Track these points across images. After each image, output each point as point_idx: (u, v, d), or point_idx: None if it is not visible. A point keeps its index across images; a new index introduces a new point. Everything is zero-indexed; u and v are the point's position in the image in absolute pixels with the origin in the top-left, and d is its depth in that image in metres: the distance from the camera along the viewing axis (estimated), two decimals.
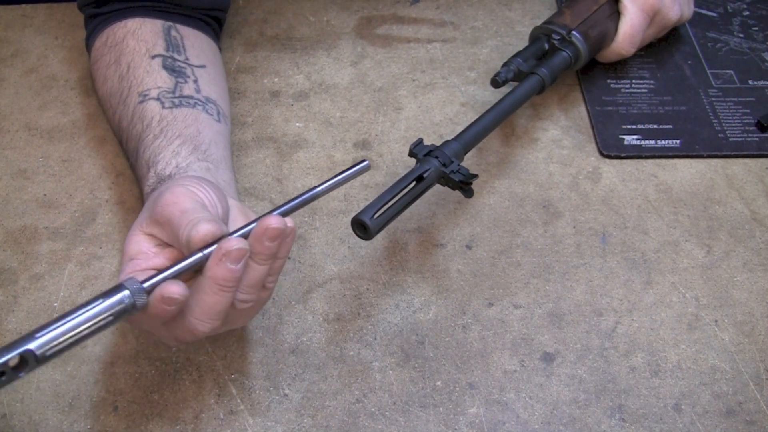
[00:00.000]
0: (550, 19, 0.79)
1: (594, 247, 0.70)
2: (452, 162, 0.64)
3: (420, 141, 0.66)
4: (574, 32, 0.77)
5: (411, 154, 0.66)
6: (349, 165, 0.57)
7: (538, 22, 0.80)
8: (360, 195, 0.74)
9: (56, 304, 0.66)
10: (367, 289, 0.67)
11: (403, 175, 0.63)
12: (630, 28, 0.79)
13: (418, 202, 0.65)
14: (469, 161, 0.77)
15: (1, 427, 0.59)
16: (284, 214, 0.53)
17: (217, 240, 0.50)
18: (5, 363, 0.42)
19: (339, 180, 0.55)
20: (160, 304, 0.48)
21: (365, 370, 0.62)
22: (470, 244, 0.70)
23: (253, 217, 0.58)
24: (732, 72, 0.85)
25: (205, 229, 0.49)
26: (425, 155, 0.65)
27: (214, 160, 0.65)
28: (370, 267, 0.69)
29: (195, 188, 0.55)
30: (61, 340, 0.44)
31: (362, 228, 0.59)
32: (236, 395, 0.61)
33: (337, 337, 0.64)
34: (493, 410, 0.60)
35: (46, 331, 0.44)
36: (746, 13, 0.93)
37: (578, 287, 0.67)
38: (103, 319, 0.46)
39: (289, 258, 0.69)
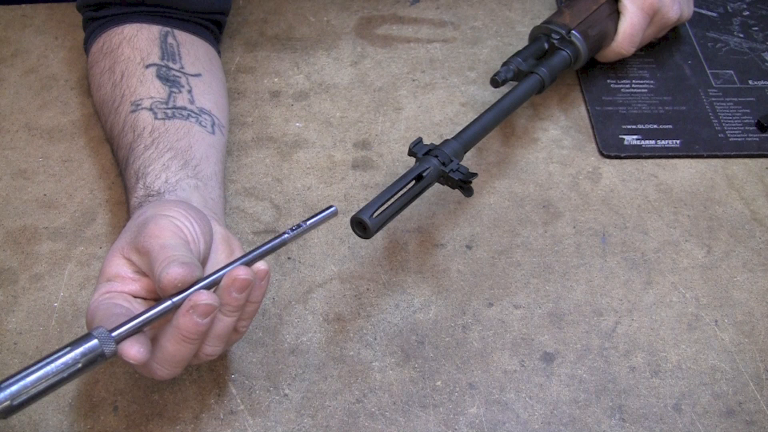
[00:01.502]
0: (550, 19, 0.79)
1: (594, 247, 0.70)
2: (452, 161, 0.64)
3: (419, 140, 0.66)
4: (573, 32, 0.77)
5: (410, 153, 0.66)
6: (318, 210, 0.57)
7: (538, 22, 0.80)
8: (360, 195, 0.74)
9: (56, 304, 0.66)
10: (367, 289, 0.67)
11: (402, 174, 0.63)
12: (630, 28, 0.79)
13: (417, 201, 0.65)
14: (469, 161, 0.77)
15: (1, 427, 0.59)
16: (254, 261, 0.53)
17: (188, 285, 0.50)
18: None
19: (308, 226, 0.55)
20: (124, 359, 0.49)
21: (365, 370, 0.62)
22: (470, 244, 0.70)
23: (237, 245, 0.58)
24: (732, 72, 0.85)
25: (174, 273, 0.49)
26: (425, 154, 0.65)
27: (204, 176, 0.64)
28: (370, 267, 0.69)
29: (180, 221, 0.55)
30: (30, 390, 0.44)
31: (361, 227, 0.59)
32: (236, 395, 0.61)
33: (337, 337, 0.64)
34: (493, 410, 0.60)
35: (14, 381, 0.44)
36: (746, 13, 0.93)
37: (578, 287, 0.67)
38: (73, 368, 0.46)
39: (289, 258, 0.69)
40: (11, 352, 0.63)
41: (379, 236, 0.70)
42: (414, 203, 0.63)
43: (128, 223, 0.58)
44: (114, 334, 0.48)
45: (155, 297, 0.55)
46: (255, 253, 0.53)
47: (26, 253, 0.70)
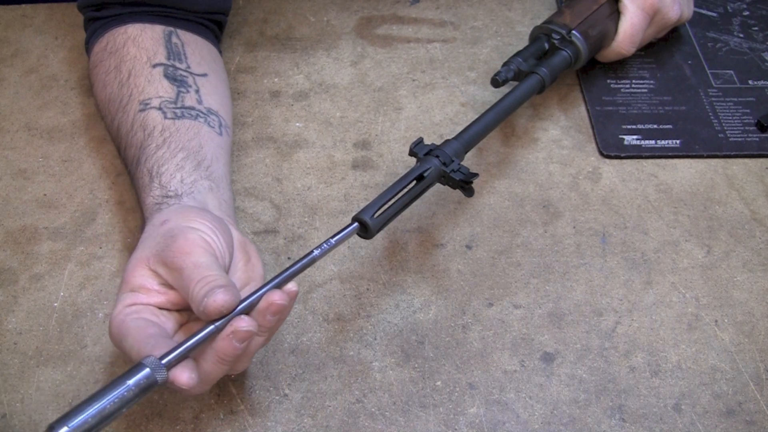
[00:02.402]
0: (550, 19, 0.79)
1: (594, 247, 0.70)
2: (453, 161, 0.64)
3: (420, 140, 0.66)
4: (574, 32, 0.77)
5: (411, 153, 0.66)
6: (341, 228, 0.58)
7: (538, 22, 0.80)
8: (360, 195, 0.74)
9: (56, 304, 0.66)
10: (367, 289, 0.67)
11: (403, 174, 0.63)
12: (630, 28, 0.79)
13: (418, 201, 0.65)
14: (469, 161, 0.77)
15: (1, 427, 0.59)
16: (285, 281, 0.54)
17: (231, 310, 0.51)
18: None
19: (335, 243, 0.57)
20: (175, 385, 0.50)
21: (365, 370, 0.62)
22: (470, 244, 0.70)
23: (253, 250, 0.59)
24: (732, 72, 0.85)
25: (221, 300, 0.50)
26: (425, 154, 0.65)
27: (216, 178, 0.65)
28: (370, 267, 0.69)
29: (207, 235, 0.56)
30: (91, 425, 0.46)
31: (362, 227, 0.59)
32: (236, 395, 0.61)
33: (337, 337, 0.64)
34: (493, 410, 0.60)
35: (75, 416, 0.45)
36: (746, 13, 0.93)
37: (578, 287, 0.67)
38: (129, 399, 0.47)
39: (289, 258, 0.69)
40: (11, 352, 0.63)
41: (379, 236, 0.70)
42: (414, 203, 0.63)
43: (148, 230, 0.58)
44: (164, 361, 0.49)
45: (180, 308, 0.56)
46: (286, 274, 0.54)
47: (26, 253, 0.70)
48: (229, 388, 0.61)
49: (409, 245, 0.70)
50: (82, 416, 0.45)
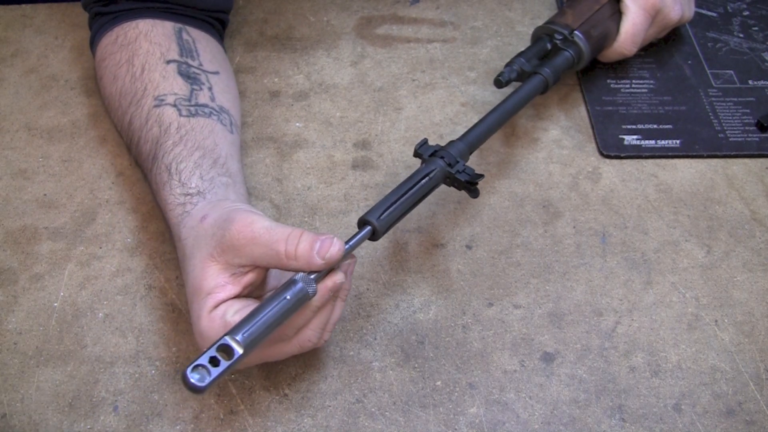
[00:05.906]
0: (552, 19, 0.79)
1: (594, 247, 0.70)
2: (458, 162, 0.64)
3: (425, 141, 0.66)
4: (576, 32, 0.77)
5: (416, 154, 0.66)
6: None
7: (539, 22, 0.80)
8: (360, 195, 0.74)
9: (56, 304, 0.66)
10: (367, 289, 0.67)
11: (408, 176, 0.63)
12: (632, 28, 0.79)
13: None
14: (470, 161, 0.77)
15: (1, 427, 0.59)
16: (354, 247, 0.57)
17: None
18: (215, 356, 0.49)
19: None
20: (328, 292, 0.54)
21: (365, 370, 0.62)
22: (470, 244, 0.70)
23: None
24: (732, 72, 0.85)
25: (339, 245, 0.54)
26: (430, 155, 0.65)
27: (232, 174, 0.66)
28: (370, 267, 0.69)
29: (253, 211, 0.57)
30: (259, 335, 0.50)
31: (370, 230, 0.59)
32: (236, 395, 0.61)
33: (337, 337, 0.64)
34: (493, 410, 0.60)
35: (246, 326, 0.50)
36: (746, 13, 0.93)
37: (578, 287, 0.67)
38: (288, 309, 0.52)
39: None
40: (11, 352, 0.63)
41: None
42: None
43: (189, 233, 0.59)
44: (312, 276, 0.54)
45: (252, 292, 0.57)
46: (352, 243, 0.57)
47: (26, 253, 0.70)
48: (229, 388, 0.61)
49: (409, 245, 0.70)
50: (251, 326, 0.50)
